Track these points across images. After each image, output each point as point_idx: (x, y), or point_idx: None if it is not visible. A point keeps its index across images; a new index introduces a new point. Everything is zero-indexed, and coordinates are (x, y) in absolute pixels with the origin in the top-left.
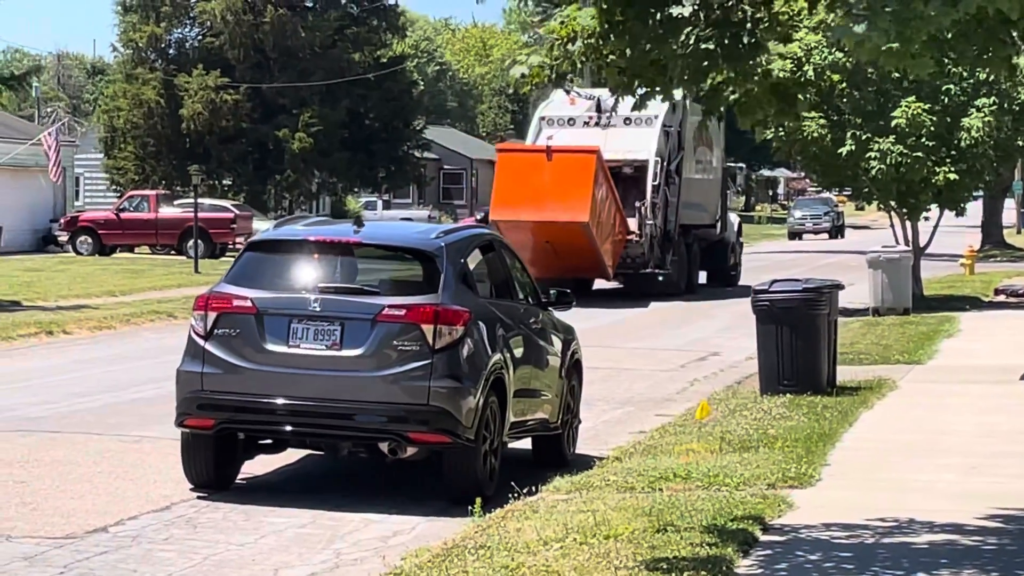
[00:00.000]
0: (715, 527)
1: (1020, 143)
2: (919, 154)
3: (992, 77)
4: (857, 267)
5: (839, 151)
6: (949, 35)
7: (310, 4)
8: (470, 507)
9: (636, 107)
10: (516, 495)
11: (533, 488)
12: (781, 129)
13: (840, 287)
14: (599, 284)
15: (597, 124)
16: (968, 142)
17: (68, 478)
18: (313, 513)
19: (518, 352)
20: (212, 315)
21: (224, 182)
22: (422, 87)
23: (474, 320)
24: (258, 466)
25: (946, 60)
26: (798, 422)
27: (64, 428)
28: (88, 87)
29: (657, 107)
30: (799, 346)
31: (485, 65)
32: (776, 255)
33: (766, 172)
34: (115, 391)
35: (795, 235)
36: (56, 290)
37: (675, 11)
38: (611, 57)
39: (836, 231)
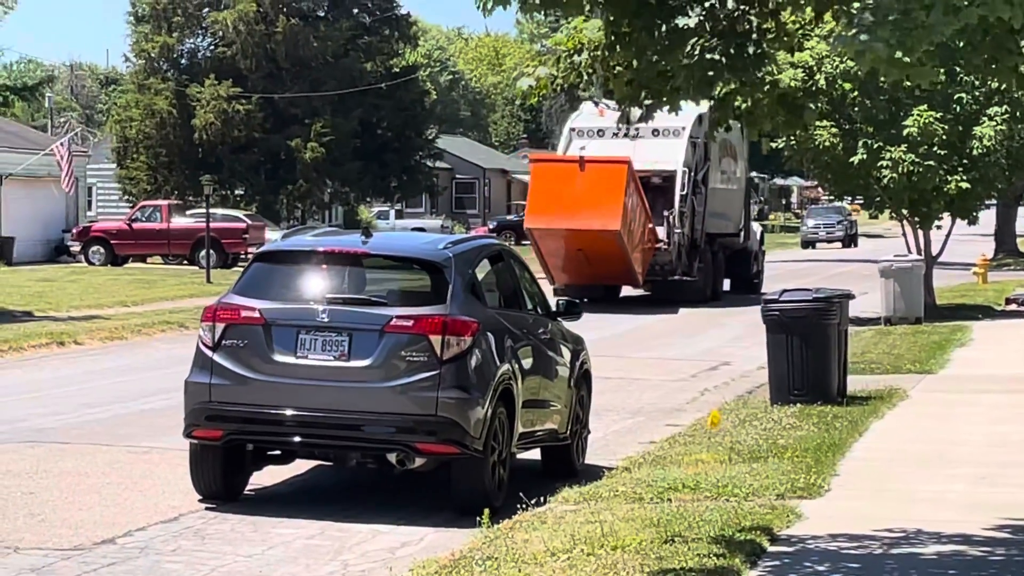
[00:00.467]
0: (723, 538)
1: None
2: (931, 163)
3: (1004, 86)
4: (870, 276)
5: (851, 160)
6: (960, 44)
7: (322, 14)
8: (478, 518)
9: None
10: (524, 506)
11: (541, 499)
12: (793, 138)
13: (851, 296)
14: (626, 291)
15: (626, 135)
16: (980, 151)
17: (76, 489)
18: (321, 524)
19: (527, 363)
20: (220, 326)
21: (236, 192)
22: (434, 96)
23: (482, 331)
24: (266, 477)
25: (957, 69)
26: (808, 432)
27: (73, 439)
28: (101, 97)
29: (684, 119)
30: (809, 356)
31: (498, 74)
32: (789, 264)
33: (779, 181)
34: (125, 402)
35: (808, 244)
36: (68, 300)
37: (681, 22)
38: (618, 68)
39: (849, 240)
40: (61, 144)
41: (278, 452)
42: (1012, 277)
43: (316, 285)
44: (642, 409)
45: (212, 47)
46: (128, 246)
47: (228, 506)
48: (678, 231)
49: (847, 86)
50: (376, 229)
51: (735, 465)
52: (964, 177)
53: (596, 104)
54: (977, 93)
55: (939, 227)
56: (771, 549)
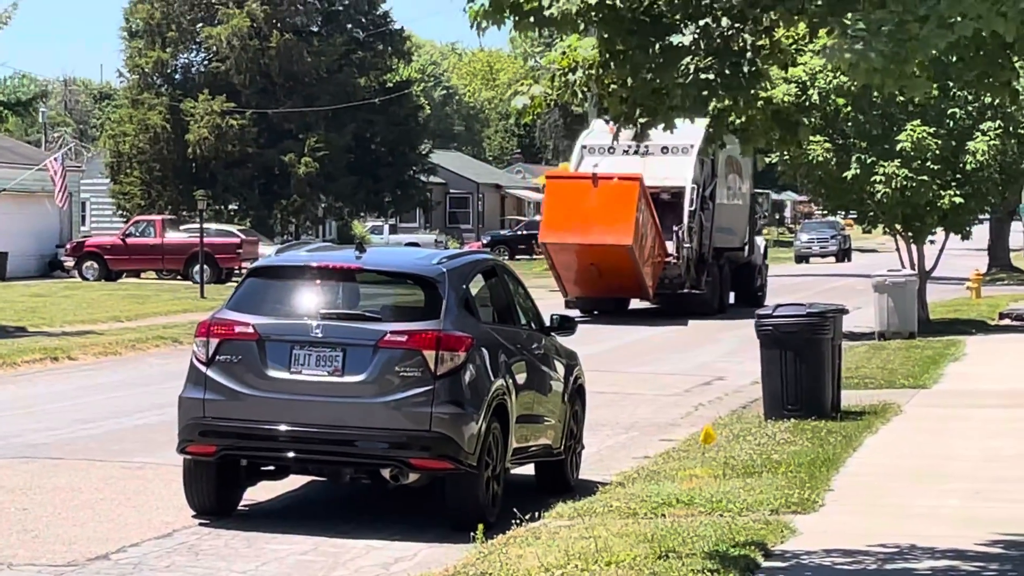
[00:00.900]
0: (717, 553)
1: None
2: (924, 178)
3: (997, 101)
4: (864, 291)
5: (844, 175)
6: (953, 60)
7: (316, 29)
8: (472, 533)
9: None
10: (518, 521)
11: (536, 514)
12: (786, 153)
13: (844, 311)
14: (634, 303)
15: (636, 152)
16: (973, 165)
17: (70, 505)
18: (315, 540)
19: (520, 378)
20: (214, 341)
21: (230, 207)
22: (428, 111)
23: (476, 346)
24: (260, 493)
25: (950, 84)
26: (802, 447)
27: (67, 454)
28: (95, 112)
29: (693, 136)
30: (803, 371)
31: (492, 89)
32: (783, 279)
33: (773, 195)
34: (118, 417)
35: (802, 258)
36: (61, 316)
37: (675, 40)
38: (612, 86)
39: (843, 254)
40: (55, 159)
41: (272, 467)
42: (1005, 292)
43: (310, 300)
44: (636, 424)
45: (206, 62)
46: (122, 261)
47: (222, 522)
48: (687, 245)
49: (840, 101)
50: (370, 244)
51: (729, 480)
52: (957, 192)
53: (607, 122)
54: (970, 108)
55: (932, 242)
56: (765, 564)
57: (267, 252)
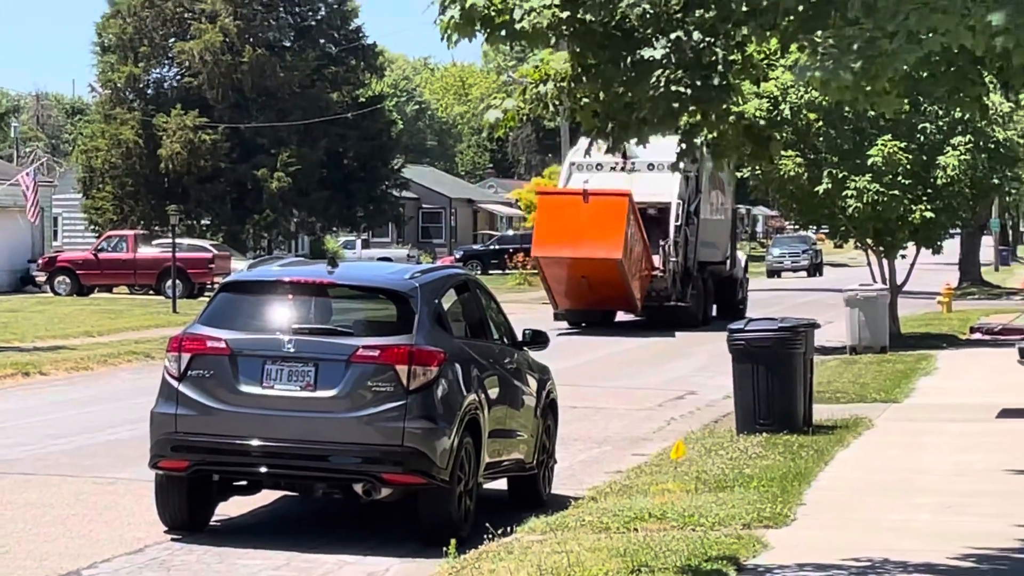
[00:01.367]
0: (689, 568)
1: (996, 181)
2: (895, 192)
3: (967, 116)
4: (835, 305)
5: (816, 189)
6: (924, 75)
7: (288, 44)
8: (445, 548)
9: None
10: (491, 536)
11: (508, 529)
12: (758, 168)
13: (816, 326)
14: (620, 316)
15: (623, 169)
16: (944, 180)
17: (41, 521)
18: (288, 555)
19: (493, 392)
20: (186, 356)
21: (202, 222)
22: (401, 126)
23: (449, 360)
24: (232, 507)
25: (921, 99)
26: (774, 461)
27: (38, 470)
28: (67, 127)
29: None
30: (775, 385)
31: (464, 104)
32: (755, 293)
33: (743, 210)
34: (90, 432)
35: (773, 273)
36: (33, 331)
37: (647, 54)
38: (584, 100)
39: (814, 269)
40: (27, 174)
41: (244, 483)
42: (976, 306)
43: (282, 315)
44: (608, 438)
45: (178, 77)
46: (94, 276)
47: (194, 537)
48: (673, 259)
49: (812, 116)
50: (342, 259)
51: (701, 495)
52: (928, 206)
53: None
54: (941, 123)
55: (904, 256)
56: None
57: (239, 267)
